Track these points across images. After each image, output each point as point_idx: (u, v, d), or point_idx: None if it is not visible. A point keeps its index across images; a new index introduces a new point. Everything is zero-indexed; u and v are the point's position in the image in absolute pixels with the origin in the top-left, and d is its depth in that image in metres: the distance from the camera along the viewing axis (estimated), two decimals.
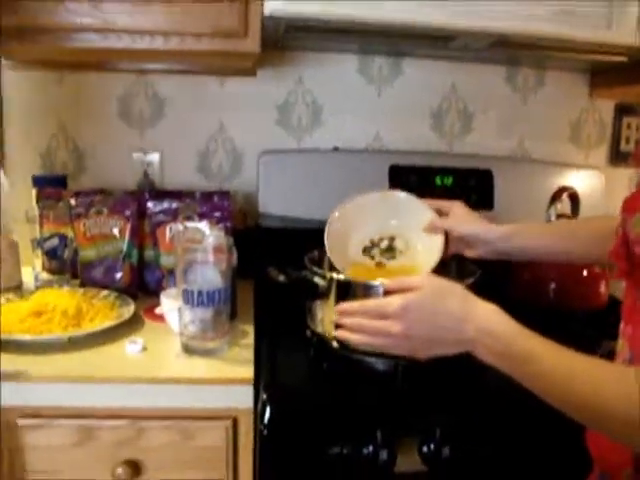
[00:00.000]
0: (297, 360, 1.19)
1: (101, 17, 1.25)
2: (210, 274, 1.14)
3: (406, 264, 1.22)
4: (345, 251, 1.23)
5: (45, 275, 1.45)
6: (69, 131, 1.68)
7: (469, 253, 1.19)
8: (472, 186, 1.61)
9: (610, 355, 1.20)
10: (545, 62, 1.72)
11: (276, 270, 1.19)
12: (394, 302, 0.87)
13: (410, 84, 1.73)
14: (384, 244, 1.25)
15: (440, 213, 1.21)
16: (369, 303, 0.92)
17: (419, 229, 1.22)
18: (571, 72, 1.76)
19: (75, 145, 1.69)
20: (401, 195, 1.27)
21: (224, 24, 1.29)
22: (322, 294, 1.11)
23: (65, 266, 1.45)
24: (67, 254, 1.44)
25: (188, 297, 1.13)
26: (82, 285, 1.41)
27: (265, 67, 1.67)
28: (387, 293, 0.91)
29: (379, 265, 1.23)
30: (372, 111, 1.73)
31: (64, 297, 1.25)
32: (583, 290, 1.42)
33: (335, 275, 1.12)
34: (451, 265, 1.25)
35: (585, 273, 1.42)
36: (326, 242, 1.19)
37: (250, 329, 1.28)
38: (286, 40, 1.56)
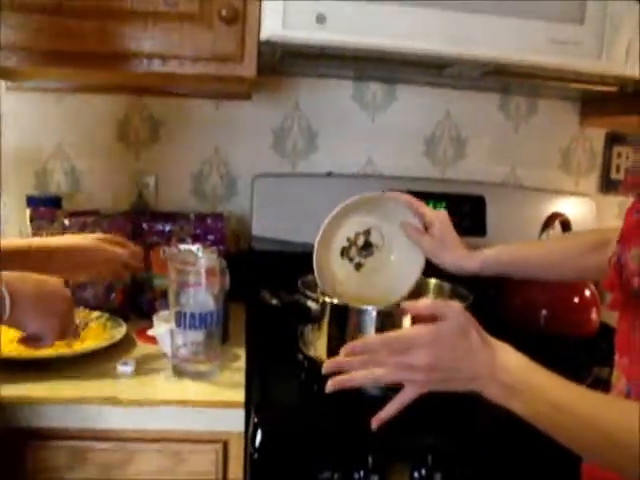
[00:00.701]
0: (289, 384, 1.19)
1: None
2: (202, 297, 1.14)
3: (383, 260, 1.22)
4: (330, 269, 1.20)
5: None
6: (66, 151, 1.69)
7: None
8: (465, 212, 1.62)
9: (600, 382, 1.21)
10: (537, 91, 1.75)
11: (269, 293, 1.19)
12: (424, 332, 0.80)
13: (404, 110, 1.74)
14: (360, 241, 1.22)
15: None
16: (393, 335, 0.82)
17: (397, 225, 1.19)
18: (562, 100, 1.79)
19: (71, 165, 1.69)
20: (379, 195, 1.23)
21: (221, 48, 1.30)
22: (315, 318, 1.12)
23: None
24: None
25: (180, 319, 1.13)
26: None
27: (261, 91, 1.69)
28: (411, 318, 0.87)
29: (358, 267, 1.21)
30: (366, 137, 1.75)
31: None
32: (574, 316, 1.43)
33: (328, 299, 1.12)
34: (444, 288, 1.26)
35: (576, 300, 1.43)
36: (314, 266, 1.18)
37: (242, 352, 1.28)
38: (282, 65, 1.58)
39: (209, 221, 1.50)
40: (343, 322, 1.09)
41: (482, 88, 1.73)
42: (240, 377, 1.16)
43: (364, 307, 1.08)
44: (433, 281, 1.29)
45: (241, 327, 1.41)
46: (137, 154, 1.70)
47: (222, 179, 1.72)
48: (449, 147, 1.78)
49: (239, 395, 1.09)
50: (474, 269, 1.13)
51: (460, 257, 1.14)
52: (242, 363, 1.22)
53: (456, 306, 0.83)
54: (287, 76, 1.70)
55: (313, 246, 1.22)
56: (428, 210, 1.17)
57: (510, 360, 0.80)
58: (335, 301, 1.12)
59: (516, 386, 0.78)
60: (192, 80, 1.39)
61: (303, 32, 1.25)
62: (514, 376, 0.78)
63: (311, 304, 1.12)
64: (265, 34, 1.25)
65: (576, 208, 1.68)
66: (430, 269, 1.32)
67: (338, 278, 1.18)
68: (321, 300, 1.11)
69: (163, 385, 1.13)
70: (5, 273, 0.86)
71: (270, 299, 1.18)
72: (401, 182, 1.65)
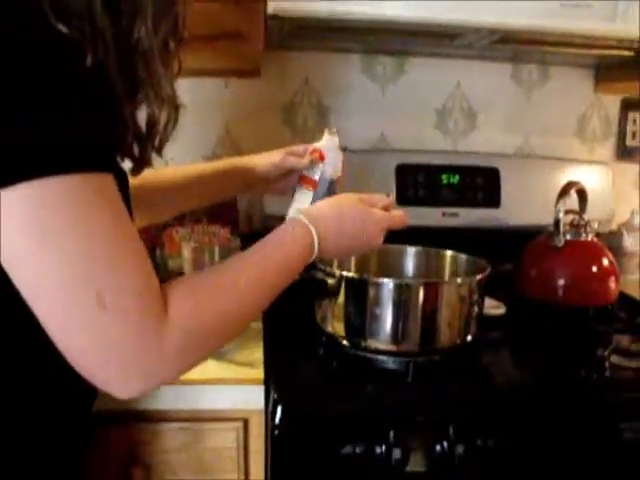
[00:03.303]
0: (307, 360, 1.18)
1: None
2: None
3: None
4: None
5: None
6: None
7: None
8: (479, 184, 1.60)
9: (620, 351, 1.20)
10: (550, 58, 1.71)
11: None
12: None
13: (414, 83, 1.72)
14: None
15: None
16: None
17: None
18: (576, 67, 1.75)
19: None
20: None
21: (227, 24, 1.28)
22: (332, 292, 1.11)
23: None
24: None
25: None
26: None
27: (269, 67, 1.66)
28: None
29: None
30: (377, 110, 1.72)
31: None
32: (593, 286, 1.41)
33: (345, 273, 1.11)
34: (459, 260, 1.25)
35: (595, 269, 1.41)
36: None
37: (259, 328, 1.27)
38: (290, 40, 1.56)
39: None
40: (360, 296, 1.08)
41: (493, 58, 1.70)
42: (259, 354, 1.15)
43: (381, 280, 1.07)
44: (449, 253, 1.28)
45: None
46: None
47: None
48: (460, 119, 1.75)
49: (258, 372, 1.09)
50: None
51: None
52: (260, 340, 1.22)
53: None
54: (295, 50, 1.67)
55: None
56: None
57: None
58: (351, 274, 1.11)
59: None
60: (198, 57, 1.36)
61: (311, 5, 1.24)
62: None
63: (327, 279, 1.11)
64: (272, 8, 1.23)
65: (592, 176, 1.66)
66: (443, 245, 1.32)
67: None
68: (338, 274, 1.10)
69: None
70: (311, 213, 0.87)
71: None
72: (414, 155, 1.63)
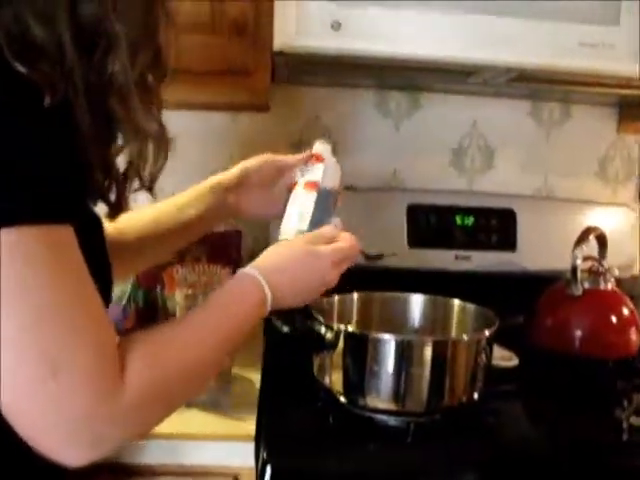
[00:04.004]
0: (303, 415, 1.11)
1: None
2: None
3: None
4: None
5: None
6: None
7: None
8: (494, 226, 1.54)
9: None
10: (571, 96, 1.65)
11: (280, 320, 1.13)
12: None
13: (429, 119, 1.67)
14: None
15: None
16: None
17: None
18: (598, 106, 1.69)
19: None
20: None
21: (234, 59, 1.25)
22: (329, 346, 1.04)
23: None
24: None
25: None
26: None
27: (278, 103, 1.63)
28: None
29: None
30: (390, 147, 1.67)
31: None
32: (612, 337, 1.33)
33: (343, 327, 1.05)
34: (468, 310, 1.18)
35: (614, 319, 1.34)
36: None
37: (257, 378, 1.21)
38: (300, 74, 1.52)
39: (225, 238, 1.44)
40: (359, 352, 1.01)
41: (510, 94, 1.64)
42: (252, 407, 1.09)
43: (381, 336, 1.00)
44: (457, 302, 1.21)
45: (259, 350, 1.34)
46: None
47: None
48: (477, 157, 1.69)
49: (249, 427, 1.03)
50: None
51: None
52: (255, 391, 1.16)
53: None
54: (306, 86, 1.64)
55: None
56: None
57: None
58: (350, 329, 1.05)
59: None
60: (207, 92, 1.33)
61: (318, 41, 1.19)
62: None
63: (324, 331, 1.04)
64: (278, 44, 1.19)
65: (614, 219, 1.59)
66: (454, 290, 1.25)
67: None
68: (336, 327, 1.04)
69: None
70: (260, 265, 0.83)
71: (281, 326, 1.11)
72: (427, 195, 1.58)
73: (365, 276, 1.44)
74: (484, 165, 1.70)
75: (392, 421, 1.04)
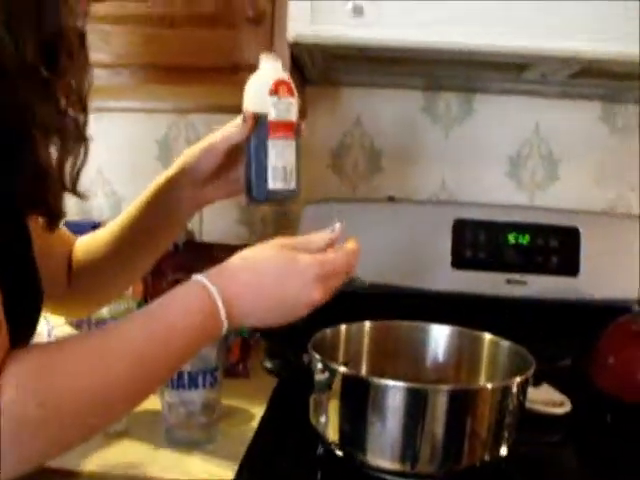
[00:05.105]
0: (293, 465, 0.93)
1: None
2: (205, 351, 0.95)
3: None
4: None
5: (59, 329, 1.33)
6: (105, 175, 1.57)
7: None
8: (553, 246, 1.33)
9: None
10: None
11: (270, 360, 0.97)
12: None
13: (483, 123, 1.49)
14: None
15: None
16: None
17: None
18: None
19: (112, 189, 1.58)
20: None
21: (245, 54, 1.13)
22: (324, 388, 0.86)
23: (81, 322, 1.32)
24: None
25: (173, 378, 0.95)
26: None
27: (317, 106, 1.49)
28: None
29: None
30: (438, 155, 1.51)
31: None
32: None
33: (338, 368, 0.87)
34: (502, 348, 0.99)
35: None
36: None
37: (259, 413, 1.06)
38: (333, 72, 1.37)
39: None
40: (358, 399, 0.83)
41: (579, 95, 1.43)
42: (240, 449, 0.94)
43: (385, 382, 0.82)
44: (488, 336, 1.02)
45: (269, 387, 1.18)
46: None
47: (271, 206, 1.53)
48: (539, 167, 1.49)
49: (228, 474, 0.88)
50: None
51: None
52: (252, 429, 1.01)
53: None
54: (346, 87, 1.50)
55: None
56: None
57: None
58: (345, 370, 0.86)
59: None
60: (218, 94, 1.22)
61: (338, 30, 1.04)
62: None
63: (319, 369, 0.86)
64: (292, 33, 1.05)
65: None
66: (502, 320, 1.07)
67: None
68: (331, 367, 0.86)
69: (153, 454, 0.94)
70: (214, 271, 0.69)
71: (272, 367, 0.94)
72: (477, 209, 1.39)
73: (392, 300, 1.27)
74: (546, 177, 1.50)
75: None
